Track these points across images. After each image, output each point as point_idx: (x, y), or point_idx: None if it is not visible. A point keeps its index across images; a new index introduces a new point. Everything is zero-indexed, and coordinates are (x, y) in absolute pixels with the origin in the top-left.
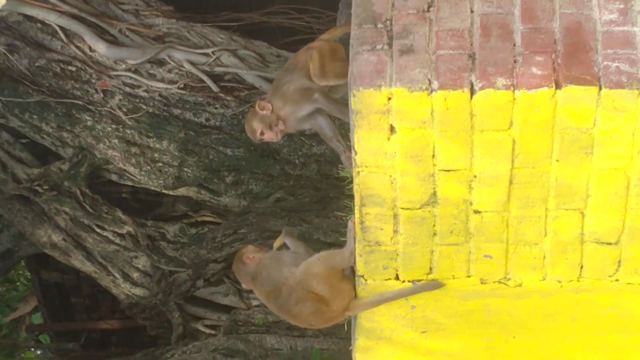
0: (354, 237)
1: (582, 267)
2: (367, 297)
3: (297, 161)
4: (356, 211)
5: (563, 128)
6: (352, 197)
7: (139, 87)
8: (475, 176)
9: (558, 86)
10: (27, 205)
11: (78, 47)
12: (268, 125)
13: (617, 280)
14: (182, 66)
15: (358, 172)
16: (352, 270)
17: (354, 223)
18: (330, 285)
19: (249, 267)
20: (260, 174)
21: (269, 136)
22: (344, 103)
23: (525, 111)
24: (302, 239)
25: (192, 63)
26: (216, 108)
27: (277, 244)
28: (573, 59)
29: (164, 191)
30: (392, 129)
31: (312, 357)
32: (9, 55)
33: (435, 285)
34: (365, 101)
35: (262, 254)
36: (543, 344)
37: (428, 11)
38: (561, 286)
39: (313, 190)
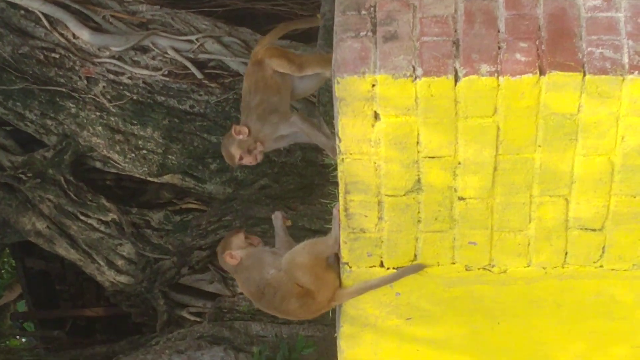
0: (339, 225)
1: (566, 254)
2: (352, 286)
3: (281, 148)
4: (340, 198)
5: (547, 114)
6: (337, 184)
7: (122, 74)
8: (459, 163)
9: (542, 72)
10: (11, 192)
11: (62, 34)
12: (246, 149)
13: (601, 266)
14: (166, 53)
15: (342, 159)
16: (337, 258)
17: (339, 210)
18: (315, 275)
19: (230, 265)
20: None
21: (248, 160)
22: (320, 126)
23: (509, 98)
24: (284, 228)
25: (176, 50)
26: (200, 95)
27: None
28: (557, 45)
29: (148, 178)
30: (376, 116)
31: (297, 344)
32: None
33: (418, 267)
34: (349, 88)
35: (246, 250)
36: (528, 330)
37: None
38: (545, 272)
39: (298, 178)
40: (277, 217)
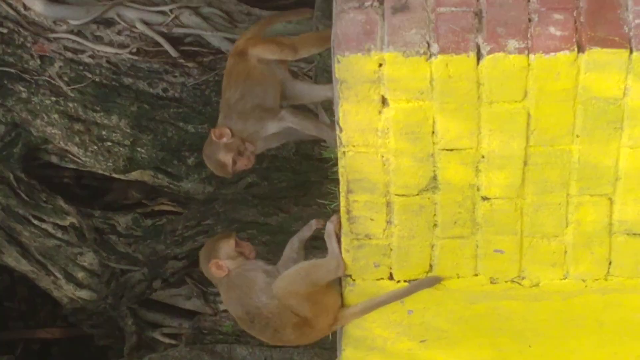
0: (338, 241)
1: (610, 264)
2: (356, 305)
3: None
4: (342, 199)
5: (587, 99)
6: (337, 181)
7: (82, 52)
8: (482, 156)
9: (581, 49)
10: None
11: (10, 5)
12: (237, 152)
13: None
14: (135, 27)
15: (344, 153)
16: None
17: (335, 223)
18: (313, 302)
19: (216, 277)
20: None
21: (243, 163)
22: (315, 116)
23: (542, 79)
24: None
25: (146, 23)
26: (175, 77)
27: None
28: (598, 17)
29: (113, 175)
30: (383, 101)
31: None
32: None
33: (434, 280)
34: (352, 68)
35: (236, 261)
36: (564, 354)
37: None
38: (585, 286)
39: (291, 174)
40: (312, 227)
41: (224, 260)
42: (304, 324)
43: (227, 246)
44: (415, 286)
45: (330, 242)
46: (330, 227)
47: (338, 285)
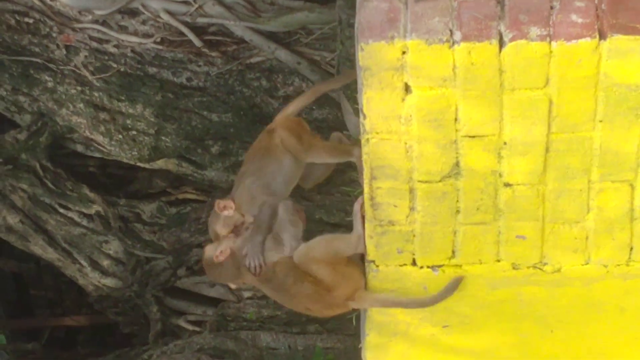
0: (362, 221)
1: (632, 249)
2: (379, 294)
3: None
4: (365, 185)
5: (608, 86)
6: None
7: (107, 42)
8: (505, 143)
9: (602, 36)
10: None
11: None
12: (233, 227)
13: None
14: (159, 17)
15: (367, 140)
16: (362, 257)
17: (361, 205)
18: (334, 269)
19: (225, 264)
20: (252, 143)
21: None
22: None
23: (563, 66)
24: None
25: (170, 13)
26: (199, 66)
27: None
28: (620, 4)
29: (138, 164)
30: (407, 89)
31: (315, 357)
32: None
33: (455, 283)
34: (375, 56)
35: (230, 241)
36: (586, 339)
37: None
38: (607, 271)
39: None
40: (287, 208)
41: (220, 248)
42: (321, 288)
43: (218, 244)
44: (440, 295)
45: (355, 221)
46: (356, 207)
47: (362, 264)
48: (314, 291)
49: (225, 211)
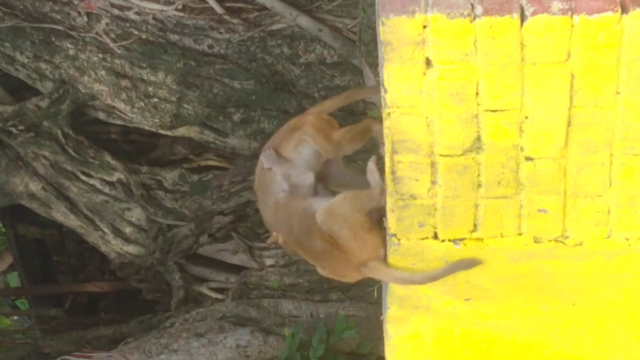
0: (379, 175)
1: None
2: (392, 270)
3: (316, 95)
4: (387, 159)
5: (631, 59)
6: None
7: (129, 9)
8: (526, 117)
9: (624, 10)
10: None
11: None
12: None
13: None
14: None
15: (389, 114)
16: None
17: (375, 161)
18: (354, 233)
19: None
20: (274, 110)
21: None
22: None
23: (585, 40)
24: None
25: None
26: (220, 33)
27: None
28: None
29: (160, 131)
30: (428, 63)
31: (337, 325)
32: None
33: (471, 263)
34: (397, 30)
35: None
36: (608, 312)
37: None
38: (629, 245)
39: None
40: (270, 157)
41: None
42: (338, 247)
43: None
44: (453, 267)
45: (373, 176)
46: (371, 164)
47: (383, 232)
48: (325, 247)
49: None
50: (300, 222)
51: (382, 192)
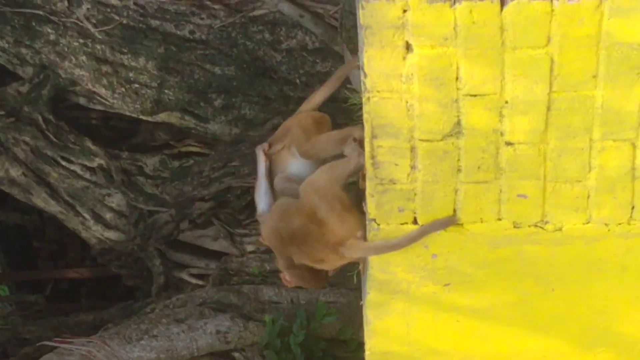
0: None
1: (633, 208)
2: (370, 242)
3: (297, 81)
4: (366, 144)
5: (610, 44)
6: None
7: None
8: (506, 102)
9: None
10: None
11: None
12: None
13: None
14: None
15: (368, 98)
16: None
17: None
18: (332, 207)
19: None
20: (255, 96)
21: None
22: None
23: (565, 25)
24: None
25: None
26: (202, 18)
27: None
28: None
29: (141, 117)
30: (408, 47)
31: (317, 311)
32: None
33: (448, 221)
34: (376, 14)
35: None
36: (587, 297)
37: None
38: (608, 230)
39: None
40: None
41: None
42: (316, 222)
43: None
44: (430, 227)
45: (348, 146)
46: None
47: (363, 216)
48: (304, 226)
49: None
50: (281, 210)
51: (360, 155)
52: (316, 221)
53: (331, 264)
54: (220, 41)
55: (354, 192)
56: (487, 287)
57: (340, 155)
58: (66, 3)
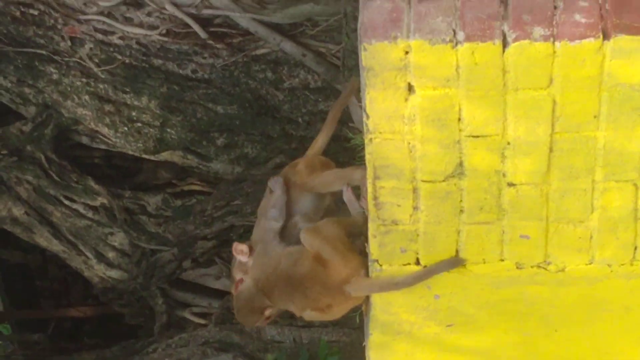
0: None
1: (635, 249)
2: (374, 279)
3: (300, 120)
4: (369, 185)
5: (612, 85)
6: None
7: (113, 33)
8: (508, 143)
9: (606, 36)
10: None
11: None
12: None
13: None
14: (164, 8)
15: (371, 139)
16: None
17: (350, 191)
18: (335, 247)
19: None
20: (257, 135)
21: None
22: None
23: (567, 66)
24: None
25: (175, 4)
26: (204, 58)
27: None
28: (624, 4)
29: (143, 156)
30: (410, 88)
31: (320, 350)
32: None
33: (455, 262)
34: (379, 56)
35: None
36: (590, 338)
37: None
38: (611, 271)
39: None
40: (277, 183)
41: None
42: (320, 261)
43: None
44: (436, 268)
45: (352, 205)
46: (347, 194)
47: (365, 257)
48: (311, 268)
49: (240, 256)
50: (288, 257)
51: (365, 220)
52: (321, 262)
53: (337, 308)
54: (222, 80)
55: (357, 234)
56: (489, 327)
57: (339, 193)
58: (69, 43)
